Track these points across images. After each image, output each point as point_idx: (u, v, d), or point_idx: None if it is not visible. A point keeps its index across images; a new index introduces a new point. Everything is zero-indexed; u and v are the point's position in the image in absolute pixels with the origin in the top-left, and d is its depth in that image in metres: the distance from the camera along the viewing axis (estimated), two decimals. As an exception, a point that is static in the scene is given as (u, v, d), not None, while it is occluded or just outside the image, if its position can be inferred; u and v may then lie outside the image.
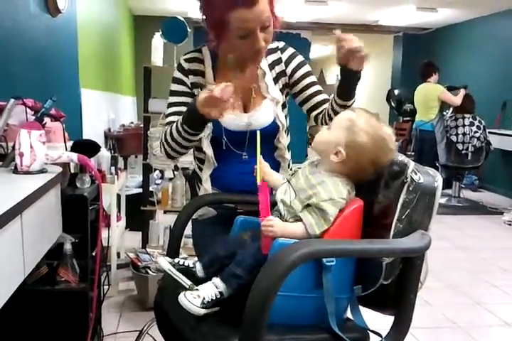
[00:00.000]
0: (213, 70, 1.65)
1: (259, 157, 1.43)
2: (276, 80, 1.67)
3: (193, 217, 1.67)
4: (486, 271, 3.78)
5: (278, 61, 1.68)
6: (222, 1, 1.41)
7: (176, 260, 1.37)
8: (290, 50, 1.70)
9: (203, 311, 1.21)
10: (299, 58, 1.70)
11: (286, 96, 1.71)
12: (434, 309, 3.05)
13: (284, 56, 1.68)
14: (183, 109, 1.56)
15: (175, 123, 1.54)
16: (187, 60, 1.67)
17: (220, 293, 1.23)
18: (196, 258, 1.38)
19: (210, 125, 1.58)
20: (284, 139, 1.68)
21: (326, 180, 1.30)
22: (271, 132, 1.65)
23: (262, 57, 1.60)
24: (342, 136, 1.31)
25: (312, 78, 1.70)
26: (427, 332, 2.72)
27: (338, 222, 1.27)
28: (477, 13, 7.32)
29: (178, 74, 1.67)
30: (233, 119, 1.60)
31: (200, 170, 1.70)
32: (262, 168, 1.44)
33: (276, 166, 1.68)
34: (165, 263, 1.36)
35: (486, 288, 3.44)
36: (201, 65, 1.65)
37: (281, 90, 1.67)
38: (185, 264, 1.36)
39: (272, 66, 1.66)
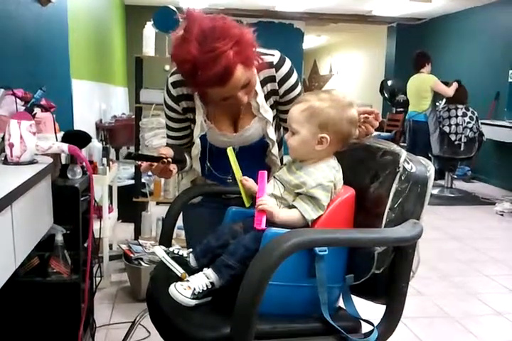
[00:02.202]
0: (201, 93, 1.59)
1: (239, 176, 1.44)
2: (267, 97, 1.61)
3: None
4: (478, 261, 3.80)
5: (271, 78, 1.58)
6: (196, 81, 1.38)
7: (171, 249, 1.37)
8: (285, 68, 1.58)
9: (193, 302, 1.21)
10: (293, 78, 1.61)
11: (277, 111, 1.67)
12: (426, 299, 3.07)
13: (279, 75, 1.58)
14: (179, 134, 1.69)
15: None
16: (174, 85, 1.60)
17: (211, 283, 1.23)
18: (191, 249, 1.38)
19: (198, 146, 1.63)
20: (276, 151, 1.68)
21: (311, 169, 1.31)
22: (260, 146, 1.67)
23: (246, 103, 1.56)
24: (312, 126, 1.31)
25: None
26: (419, 322, 2.74)
27: (330, 210, 1.28)
28: (471, 4, 7.31)
29: (168, 101, 1.64)
30: (223, 140, 1.62)
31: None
32: (246, 184, 1.44)
33: (267, 171, 1.69)
34: (160, 251, 1.36)
35: (478, 278, 3.46)
36: (189, 88, 1.59)
37: (271, 106, 1.62)
38: (180, 253, 1.36)
39: (264, 82, 1.58)
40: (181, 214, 1.71)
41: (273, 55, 1.57)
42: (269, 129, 1.62)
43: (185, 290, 1.20)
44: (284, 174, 1.36)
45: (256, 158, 1.68)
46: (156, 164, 1.43)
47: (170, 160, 1.43)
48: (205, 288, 1.22)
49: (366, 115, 1.41)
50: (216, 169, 1.68)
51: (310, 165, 1.33)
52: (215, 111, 1.61)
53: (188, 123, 1.67)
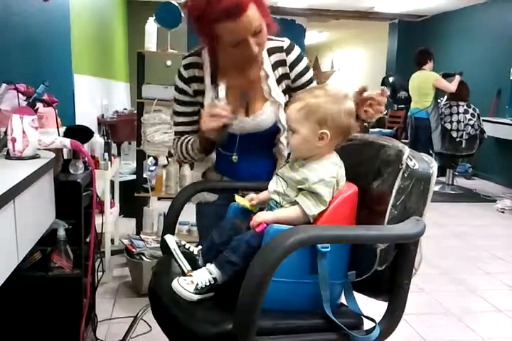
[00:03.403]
0: (213, 75, 1.63)
1: (250, 205, 1.42)
2: (279, 82, 1.62)
3: (195, 202, 1.76)
4: (479, 258, 3.80)
5: (282, 63, 1.62)
6: (208, 16, 1.40)
7: (183, 242, 1.37)
8: (295, 52, 1.63)
9: (196, 297, 1.21)
10: (303, 63, 1.64)
11: (289, 97, 1.66)
12: (427, 295, 3.08)
13: (289, 59, 1.62)
14: (190, 119, 1.67)
15: (190, 144, 1.64)
16: (186, 67, 1.65)
17: (214, 279, 1.23)
18: (201, 247, 1.37)
19: None
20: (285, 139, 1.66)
21: (314, 165, 1.31)
22: (272, 133, 1.65)
23: (259, 59, 1.57)
24: (311, 123, 1.30)
25: (313, 84, 1.67)
26: (421, 319, 2.74)
27: (333, 207, 1.28)
28: (473, 1, 7.28)
29: (179, 84, 1.66)
30: (236, 123, 1.60)
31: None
32: (254, 202, 1.42)
33: (273, 162, 1.69)
34: (172, 242, 1.35)
35: (479, 275, 3.46)
36: (200, 70, 1.63)
37: (283, 91, 1.63)
38: (191, 250, 1.35)
39: (275, 66, 1.61)
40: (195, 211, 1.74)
41: (283, 41, 1.63)
42: (281, 113, 1.61)
43: (188, 285, 1.21)
44: (286, 171, 1.36)
45: (265, 147, 1.67)
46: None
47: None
48: (207, 284, 1.22)
49: (371, 99, 1.43)
50: (223, 148, 1.67)
51: (312, 162, 1.32)
52: (227, 87, 1.60)
53: (198, 108, 1.66)
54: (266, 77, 1.60)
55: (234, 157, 1.65)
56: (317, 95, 1.32)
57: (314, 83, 1.68)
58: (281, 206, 1.32)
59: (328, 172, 1.29)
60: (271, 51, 1.61)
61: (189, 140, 1.66)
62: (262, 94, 1.61)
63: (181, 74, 1.65)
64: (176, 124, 1.72)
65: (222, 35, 1.44)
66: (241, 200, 1.41)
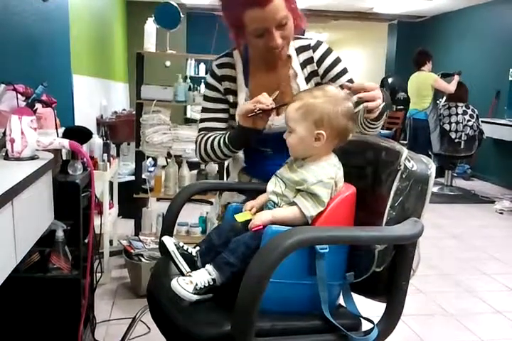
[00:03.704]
0: (244, 74, 1.66)
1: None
2: (308, 80, 1.64)
3: (223, 203, 1.76)
4: (478, 259, 3.80)
5: (309, 60, 1.64)
6: (236, 1, 1.45)
7: (181, 243, 1.36)
8: (322, 49, 1.65)
9: (195, 297, 1.21)
10: (332, 57, 1.65)
11: None
12: (425, 297, 3.08)
13: (316, 55, 1.64)
14: (218, 115, 1.69)
15: (217, 139, 1.62)
16: (219, 66, 1.69)
17: (213, 279, 1.23)
18: (199, 248, 1.37)
19: None
20: None
21: (312, 167, 1.31)
22: None
23: (283, 53, 1.57)
24: (308, 124, 1.30)
25: (346, 77, 1.66)
26: (419, 320, 2.74)
27: (331, 208, 1.28)
28: (472, 2, 7.29)
29: (211, 81, 1.70)
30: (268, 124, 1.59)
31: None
32: (251, 210, 1.40)
33: None
34: (170, 243, 1.35)
35: (477, 276, 3.46)
36: (233, 70, 1.67)
37: None
38: (189, 251, 1.35)
39: (303, 65, 1.64)
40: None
41: (310, 39, 1.67)
42: None
43: (187, 285, 1.21)
44: (285, 172, 1.36)
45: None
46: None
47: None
48: (206, 284, 1.22)
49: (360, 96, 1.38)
50: (257, 143, 1.65)
51: (311, 163, 1.33)
52: (257, 87, 1.62)
53: (227, 107, 1.69)
54: (295, 75, 1.63)
55: (269, 152, 1.65)
56: (316, 95, 1.32)
57: (348, 75, 1.66)
58: (280, 207, 1.32)
59: (327, 174, 1.29)
60: (299, 50, 1.64)
61: (216, 136, 1.65)
62: (292, 93, 1.61)
63: (214, 73, 1.69)
64: (202, 120, 1.73)
65: (247, 24, 1.47)
66: (240, 217, 1.38)
